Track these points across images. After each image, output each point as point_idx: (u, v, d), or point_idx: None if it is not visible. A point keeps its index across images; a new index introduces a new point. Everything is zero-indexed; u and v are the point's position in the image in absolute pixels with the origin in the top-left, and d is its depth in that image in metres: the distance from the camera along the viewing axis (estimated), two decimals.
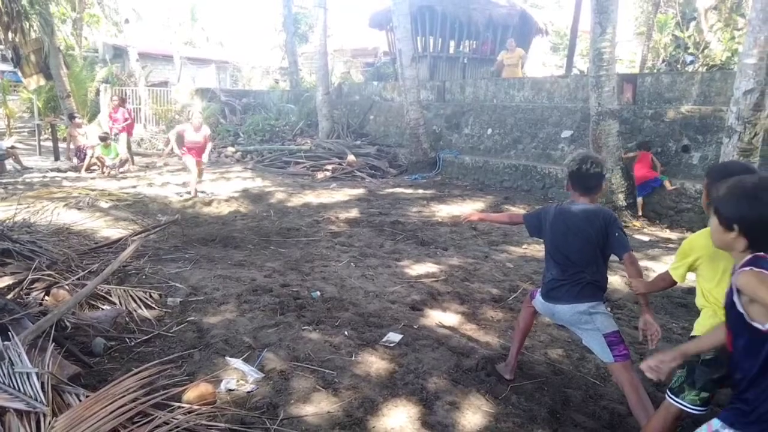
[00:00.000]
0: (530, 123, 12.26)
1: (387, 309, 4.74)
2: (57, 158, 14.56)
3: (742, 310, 1.81)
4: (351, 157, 13.61)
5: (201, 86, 22.49)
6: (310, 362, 3.71)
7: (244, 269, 5.76)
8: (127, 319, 4.31)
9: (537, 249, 6.71)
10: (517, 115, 12.68)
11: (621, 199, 8.86)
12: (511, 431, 3.04)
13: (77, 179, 11.65)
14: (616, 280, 5.65)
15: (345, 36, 29.29)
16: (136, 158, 14.88)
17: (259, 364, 3.67)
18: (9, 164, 12.59)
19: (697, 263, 2.54)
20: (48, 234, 6.35)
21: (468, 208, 9.34)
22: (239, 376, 3.50)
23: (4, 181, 10.76)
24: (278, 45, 28.98)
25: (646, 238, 7.74)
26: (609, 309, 3.91)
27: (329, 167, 13.31)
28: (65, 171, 12.67)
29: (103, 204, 8.79)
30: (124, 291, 4.70)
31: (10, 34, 12.45)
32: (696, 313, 2.66)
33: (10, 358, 3.00)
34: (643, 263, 5.88)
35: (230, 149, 16.33)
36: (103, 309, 4.43)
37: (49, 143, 15.42)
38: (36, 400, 2.75)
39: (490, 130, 13.16)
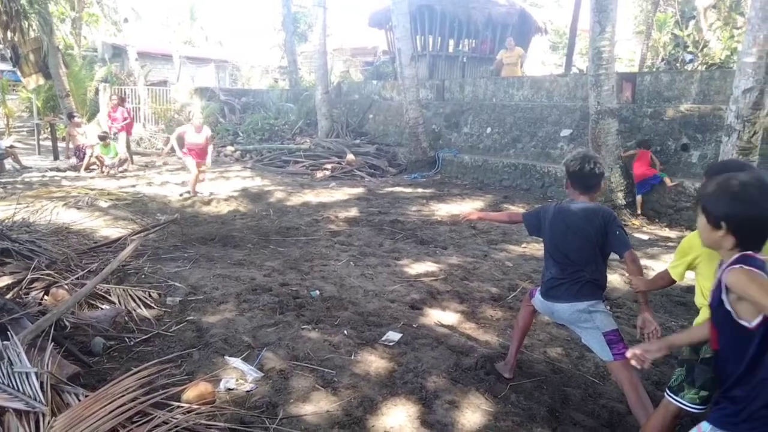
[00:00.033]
0: (529, 122, 12.26)
1: (386, 308, 4.74)
2: (56, 158, 14.55)
3: (729, 308, 1.81)
4: (350, 156, 13.61)
5: (200, 85, 22.48)
6: (309, 361, 3.71)
7: (243, 268, 5.76)
8: (126, 318, 4.31)
9: (536, 248, 6.71)
10: (517, 114, 12.68)
11: (620, 198, 8.86)
12: (511, 430, 3.04)
13: (76, 179, 11.65)
14: (615, 279, 5.66)
15: (344, 35, 29.30)
16: (136, 157, 14.86)
17: (258, 364, 3.67)
18: (8, 164, 12.59)
19: (696, 262, 2.54)
20: (47, 233, 6.35)
21: (467, 207, 9.34)
22: (238, 376, 3.50)
23: (3, 180, 10.76)
24: (277, 44, 28.98)
25: (645, 237, 7.74)
26: (608, 308, 3.91)
27: (328, 166, 13.31)
28: (64, 170, 12.66)
29: (103, 203, 8.79)
30: (124, 290, 4.70)
31: (9, 33, 12.43)
32: (695, 311, 2.66)
33: (9, 357, 3.00)
34: (642, 262, 5.87)
35: (229, 148, 16.32)
36: (102, 308, 4.43)
37: (48, 143, 15.42)
38: (35, 399, 2.75)
39: (489, 129, 13.16)
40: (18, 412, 2.67)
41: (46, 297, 4.41)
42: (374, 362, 3.74)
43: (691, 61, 14.65)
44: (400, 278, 5.60)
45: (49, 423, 2.63)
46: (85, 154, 12.87)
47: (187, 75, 25.16)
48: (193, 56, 28.81)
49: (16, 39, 12.99)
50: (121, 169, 12.68)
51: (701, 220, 1.94)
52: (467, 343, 4.07)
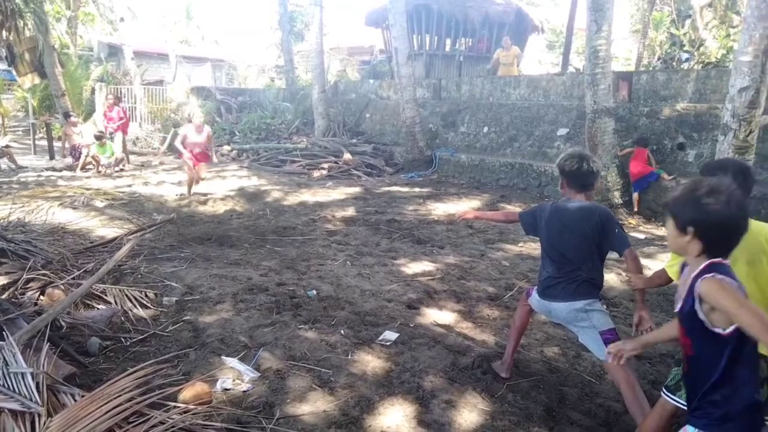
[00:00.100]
0: (526, 121, 12.27)
1: (383, 307, 4.74)
2: (52, 157, 14.49)
3: (703, 318, 1.82)
4: (347, 156, 13.60)
5: (196, 85, 22.44)
6: (306, 361, 3.71)
7: (240, 268, 5.75)
8: (122, 318, 4.30)
9: (533, 247, 6.71)
10: (513, 113, 12.68)
11: (617, 197, 8.88)
12: (507, 429, 3.05)
13: (72, 178, 11.61)
14: (612, 278, 5.67)
15: (341, 34, 29.25)
16: (132, 157, 14.82)
17: (255, 364, 3.66)
18: (4, 163, 12.54)
19: None
20: (43, 233, 6.32)
21: (464, 207, 9.33)
22: (235, 376, 3.50)
23: None
24: (274, 43, 28.93)
25: (641, 236, 7.75)
26: (605, 307, 3.91)
27: (325, 166, 13.30)
28: (60, 170, 12.61)
29: (99, 203, 8.77)
30: (120, 290, 4.68)
31: (4, 33, 12.34)
32: None
33: (4, 358, 2.98)
34: None
35: (226, 148, 16.29)
36: (98, 308, 4.42)
37: (44, 142, 15.36)
38: (31, 400, 2.74)
39: (486, 128, 13.16)
40: (14, 413, 2.66)
41: (41, 297, 4.40)
42: (371, 362, 3.74)
43: (687, 60, 14.67)
44: (397, 278, 5.60)
45: (45, 423, 2.62)
46: (81, 153, 12.83)
47: (184, 74, 25.10)
48: (189, 55, 28.74)
49: (11, 38, 12.91)
50: (117, 168, 12.65)
51: (669, 223, 1.94)
52: (464, 343, 4.07)
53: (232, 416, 3.01)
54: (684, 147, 9.26)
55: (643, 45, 18.33)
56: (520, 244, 7.00)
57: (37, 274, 4.69)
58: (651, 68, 15.98)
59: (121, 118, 14.09)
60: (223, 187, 10.72)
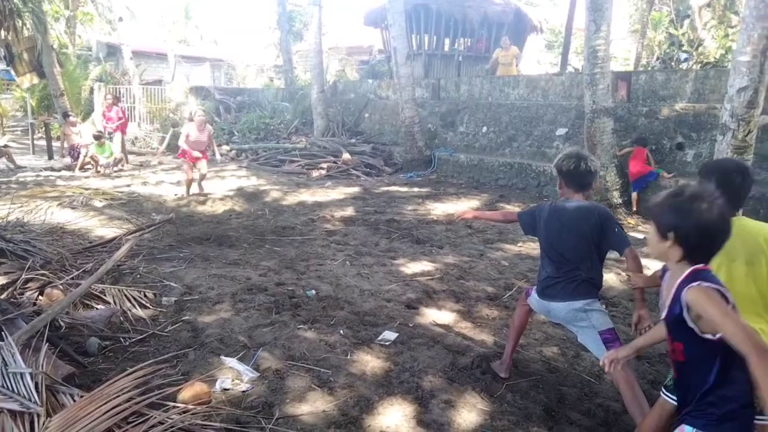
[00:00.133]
0: (525, 121, 12.27)
1: (382, 307, 4.74)
2: (51, 157, 14.46)
3: (692, 325, 1.83)
4: (346, 156, 13.60)
5: (195, 84, 22.42)
6: (305, 361, 3.71)
7: (239, 268, 5.74)
8: (121, 318, 4.30)
9: (532, 247, 6.71)
10: (512, 113, 12.69)
11: (616, 197, 8.88)
12: (507, 429, 3.05)
13: (71, 178, 11.60)
14: (611, 278, 5.67)
15: (340, 34, 29.21)
16: (131, 157, 14.81)
17: (254, 364, 3.66)
18: (2, 163, 12.52)
19: None
20: (42, 233, 6.32)
21: (463, 206, 9.33)
22: (234, 376, 3.50)
23: None
24: (273, 43, 28.91)
25: (640, 236, 7.74)
26: (604, 306, 3.92)
27: (324, 165, 13.29)
28: (59, 170, 12.59)
29: (97, 203, 8.76)
30: (119, 290, 4.68)
31: (2, 32, 12.35)
32: None
33: (3, 358, 2.98)
34: None
35: (225, 147, 16.23)
36: (97, 308, 4.41)
37: (43, 142, 15.34)
38: (30, 400, 2.74)
39: (485, 128, 13.16)
40: (12, 413, 2.65)
41: (40, 297, 4.39)
42: (370, 362, 3.74)
43: (686, 60, 14.67)
44: (396, 278, 5.60)
45: (44, 424, 2.62)
46: (79, 153, 12.82)
47: (182, 74, 25.08)
48: (188, 55, 28.72)
49: (9, 38, 12.92)
50: (116, 168, 12.63)
51: (651, 228, 1.94)
52: (463, 343, 4.08)
53: (231, 416, 3.01)
54: (683, 147, 9.27)
55: (642, 45, 18.35)
56: (519, 244, 7.00)
57: (36, 274, 4.69)
58: (650, 68, 15.99)
59: (120, 118, 14.07)
60: (222, 187, 10.71)
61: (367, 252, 6.51)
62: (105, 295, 4.58)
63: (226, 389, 3.33)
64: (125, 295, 4.61)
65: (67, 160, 13.19)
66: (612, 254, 3.18)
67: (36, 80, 15.20)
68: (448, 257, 6.37)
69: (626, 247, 2.96)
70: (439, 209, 9.10)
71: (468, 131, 13.58)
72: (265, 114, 18.89)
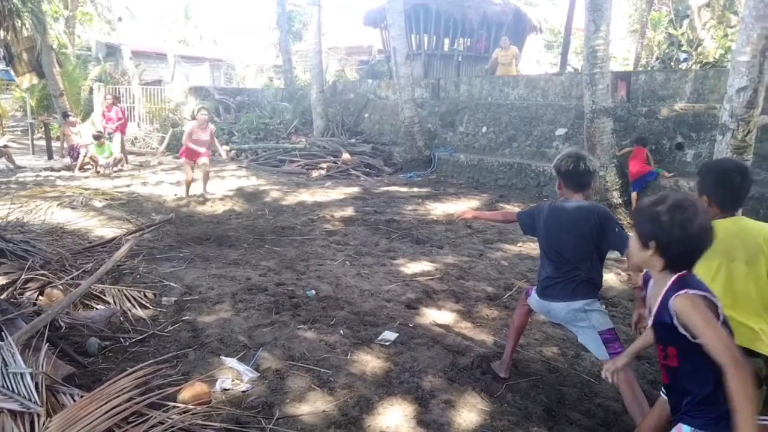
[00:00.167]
0: (525, 121, 12.28)
1: (382, 307, 4.74)
2: (50, 157, 14.46)
3: (684, 332, 1.83)
4: (346, 156, 13.60)
5: (195, 84, 22.42)
6: (305, 361, 3.71)
7: (239, 268, 5.75)
8: (121, 318, 4.30)
9: (532, 247, 6.71)
10: (512, 113, 12.69)
11: (615, 197, 8.88)
12: (507, 429, 3.05)
13: (71, 178, 11.59)
14: (611, 278, 5.67)
15: (339, 34, 29.20)
16: (130, 157, 14.80)
17: (254, 364, 3.66)
18: (2, 163, 12.51)
19: None
20: (41, 233, 6.32)
21: (463, 206, 9.33)
22: (234, 376, 3.50)
23: None
24: (272, 43, 28.90)
25: None
26: (604, 306, 3.92)
27: (324, 165, 13.29)
28: (59, 170, 12.59)
29: (97, 203, 8.76)
30: (119, 290, 4.68)
31: (2, 32, 12.38)
32: None
33: (3, 358, 2.98)
34: None
35: (224, 147, 16.25)
36: (97, 308, 4.41)
37: (43, 142, 15.33)
38: (30, 400, 2.74)
39: (484, 128, 13.17)
40: (13, 413, 2.65)
41: (40, 297, 4.39)
42: (370, 362, 3.74)
43: (685, 60, 14.68)
44: (396, 278, 5.60)
45: (44, 424, 2.62)
46: (79, 153, 12.81)
47: (182, 74, 25.09)
48: (187, 55, 28.72)
49: (9, 38, 12.94)
50: (115, 168, 12.62)
51: (633, 236, 1.94)
52: (463, 343, 4.08)
53: (231, 416, 3.01)
54: (682, 147, 9.28)
55: (642, 45, 18.35)
56: (519, 244, 7.01)
57: (36, 274, 4.69)
58: (649, 68, 15.98)
59: (119, 118, 14.06)
60: (221, 187, 10.71)
61: (366, 252, 6.52)
62: (105, 295, 4.58)
63: (226, 389, 3.33)
64: (125, 295, 4.61)
65: (67, 160, 13.19)
66: (612, 254, 3.18)
67: (35, 80, 15.20)
68: (447, 257, 6.38)
69: (626, 247, 2.96)
70: (438, 209, 9.10)
71: (468, 131, 13.59)
72: (265, 114, 18.89)
